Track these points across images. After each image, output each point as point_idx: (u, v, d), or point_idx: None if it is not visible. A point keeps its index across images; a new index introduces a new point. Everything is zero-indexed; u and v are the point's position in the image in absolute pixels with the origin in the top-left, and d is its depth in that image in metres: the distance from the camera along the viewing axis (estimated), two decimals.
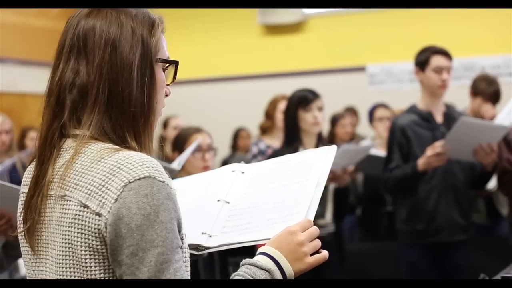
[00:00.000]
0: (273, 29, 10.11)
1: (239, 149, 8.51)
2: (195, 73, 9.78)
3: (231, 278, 1.66)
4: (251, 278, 1.64)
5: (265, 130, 6.13)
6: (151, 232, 1.48)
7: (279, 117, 5.81)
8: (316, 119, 4.47)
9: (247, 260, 1.69)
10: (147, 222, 1.48)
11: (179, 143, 4.14)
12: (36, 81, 9.77)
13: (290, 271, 1.69)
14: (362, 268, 5.66)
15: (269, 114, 6.00)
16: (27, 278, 1.75)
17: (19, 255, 3.03)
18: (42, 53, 9.89)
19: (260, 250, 1.72)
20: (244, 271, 1.65)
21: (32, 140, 7.49)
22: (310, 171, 1.93)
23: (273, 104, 5.99)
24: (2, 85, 9.52)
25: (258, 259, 1.68)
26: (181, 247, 1.56)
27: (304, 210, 1.81)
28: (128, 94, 1.61)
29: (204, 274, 3.78)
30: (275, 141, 5.78)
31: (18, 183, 5.25)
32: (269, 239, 1.75)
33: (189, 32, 9.86)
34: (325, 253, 1.75)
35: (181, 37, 9.58)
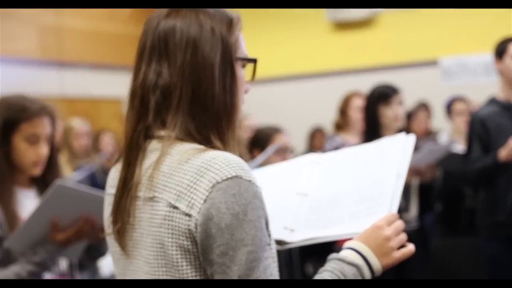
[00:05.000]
0: (343, 26, 10.08)
1: (314, 149, 8.50)
2: (267, 72, 9.80)
3: (319, 272, 1.67)
4: (340, 273, 1.64)
5: (339, 127, 6.10)
6: (240, 231, 1.50)
7: (353, 113, 5.79)
8: (397, 114, 4.49)
9: (334, 255, 1.69)
10: (236, 222, 1.50)
11: (261, 142, 4.18)
12: (107, 85, 10.02)
13: (377, 266, 1.69)
14: (444, 265, 5.61)
15: (343, 111, 5.98)
16: (117, 277, 1.78)
17: (100, 256, 3.13)
18: (113, 57, 10.08)
19: (347, 245, 1.72)
20: (333, 267, 1.66)
21: (106, 143, 7.64)
22: (389, 161, 1.91)
23: (346, 101, 5.96)
24: (75, 89, 9.69)
25: (346, 254, 1.69)
26: (269, 244, 1.57)
27: (388, 202, 1.80)
28: (211, 94, 1.62)
29: (285, 272, 3.80)
30: (350, 137, 5.76)
31: (98, 186, 5.37)
32: (357, 233, 1.75)
33: (259, 32, 9.88)
34: (411, 247, 1.75)
35: (252, 38, 9.61)
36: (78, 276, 3.08)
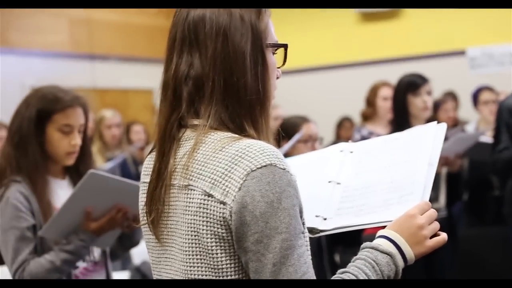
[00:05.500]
0: (370, 16, 10.04)
1: (342, 139, 8.49)
2: (295, 63, 9.79)
3: (352, 261, 1.66)
4: (373, 261, 1.63)
5: (367, 117, 6.09)
6: (274, 219, 1.50)
7: (380, 103, 5.79)
8: (425, 104, 4.45)
9: (367, 244, 1.68)
10: (271, 209, 1.50)
11: (289, 131, 4.14)
12: (137, 77, 10.07)
13: (410, 255, 1.68)
14: (472, 253, 5.59)
15: (370, 101, 5.96)
16: (152, 265, 1.79)
17: (133, 245, 3.16)
18: (143, 49, 10.13)
19: (380, 233, 1.71)
20: (366, 255, 1.64)
21: (137, 133, 7.70)
22: (421, 149, 1.89)
23: (373, 91, 5.94)
24: (106, 81, 9.75)
25: (379, 242, 1.68)
26: (303, 232, 1.57)
27: (420, 191, 1.79)
28: (243, 83, 1.61)
29: (314, 261, 3.81)
30: (378, 127, 5.76)
31: (129, 176, 5.40)
32: (389, 221, 1.74)
33: (286, 23, 9.86)
34: (444, 236, 1.74)
35: (279, 29, 9.58)
36: (110, 265, 3.12)
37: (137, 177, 6.17)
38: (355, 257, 1.66)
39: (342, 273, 1.62)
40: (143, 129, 7.86)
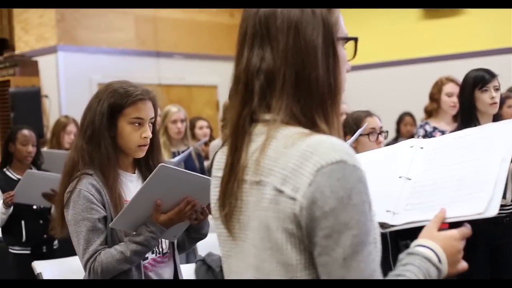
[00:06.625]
0: (433, 12, 9.95)
1: (402, 136, 8.45)
2: (357, 59, 9.71)
3: (401, 264, 1.65)
4: (426, 272, 1.63)
5: (430, 112, 6.06)
6: (344, 215, 1.48)
7: (445, 99, 5.76)
8: (493, 100, 4.35)
9: (418, 251, 1.67)
10: (341, 205, 1.48)
11: (352, 126, 4.12)
12: (201, 73, 10.15)
13: (445, 274, 1.69)
14: None
15: (434, 97, 5.93)
16: (222, 258, 1.80)
17: (201, 238, 3.18)
18: (207, 47, 10.22)
19: (427, 244, 1.70)
20: (419, 264, 1.64)
21: (201, 129, 7.78)
22: (493, 146, 1.87)
23: (438, 87, 5.91)
24: (171, 78, 9.86)
25: (429, 255, 1.67)
26: (372, 229, 1.54)
27: (490, 189, 1.77)
28: (315, 76, 1.60)
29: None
30: (441, 123, 5.73)
31: (192, 169, 5.41)
32: (457, 217, 1.74)
33: (348, 19, 9.77)
34: (465, 264, 1.75)
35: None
36: (178, 256, 3.16)
37: (200, 172, 6.23)
38: (406, 261, 1.66)
39: (397, 276, 1.62)
40: (207, 124, 7.94)
